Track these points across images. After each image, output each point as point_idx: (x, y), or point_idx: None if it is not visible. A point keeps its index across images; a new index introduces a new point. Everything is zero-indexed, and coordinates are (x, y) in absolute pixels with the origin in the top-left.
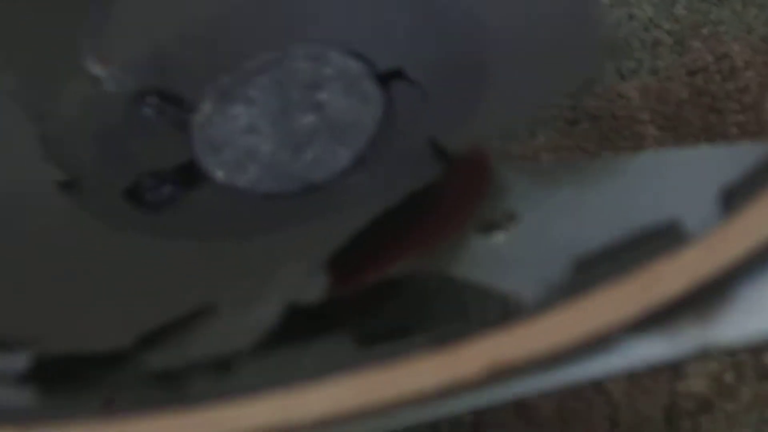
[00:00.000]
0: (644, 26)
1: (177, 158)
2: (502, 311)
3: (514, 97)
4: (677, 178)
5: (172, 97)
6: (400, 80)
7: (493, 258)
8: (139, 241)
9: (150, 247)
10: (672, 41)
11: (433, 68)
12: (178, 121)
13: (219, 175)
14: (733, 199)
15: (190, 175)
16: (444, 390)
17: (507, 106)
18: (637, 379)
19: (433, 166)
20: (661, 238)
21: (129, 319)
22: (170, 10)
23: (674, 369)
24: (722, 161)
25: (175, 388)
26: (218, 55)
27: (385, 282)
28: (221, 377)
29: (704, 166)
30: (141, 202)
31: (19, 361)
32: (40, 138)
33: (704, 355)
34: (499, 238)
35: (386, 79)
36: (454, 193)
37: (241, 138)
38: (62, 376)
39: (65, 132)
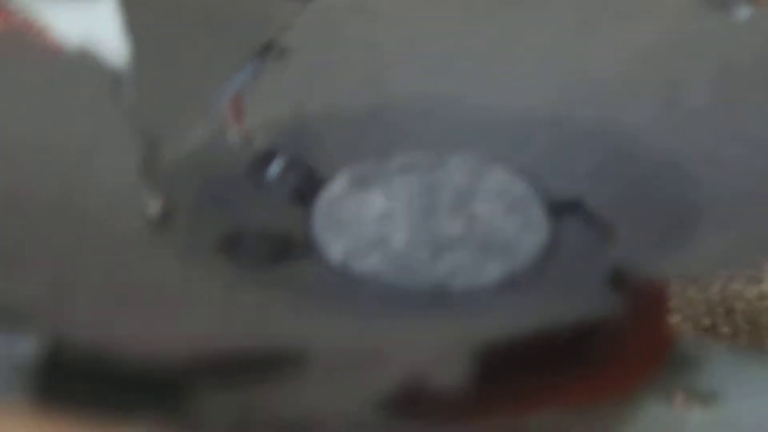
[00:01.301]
0: None
1: (287, 225)
2: None
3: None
4: None
5: (303, 166)
6: (576, 211)
7: None
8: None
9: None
10: None
11: (619, 205)
12: (302, 192)
13: (336, 251)
14: None
15: (301, 244)
16: None
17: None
18: None
19: (607, 304)
20: None
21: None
22: (324, 82)
23: None
24: None
25: None
26: (365, 140)
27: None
28: None
29: None
30: (234, 257)
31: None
32: (143, 162)
33: None
34: (693, 416)
35: (560, 207)
36: (628, 345)
37: (372, 224)
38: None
39: (172, 165)
